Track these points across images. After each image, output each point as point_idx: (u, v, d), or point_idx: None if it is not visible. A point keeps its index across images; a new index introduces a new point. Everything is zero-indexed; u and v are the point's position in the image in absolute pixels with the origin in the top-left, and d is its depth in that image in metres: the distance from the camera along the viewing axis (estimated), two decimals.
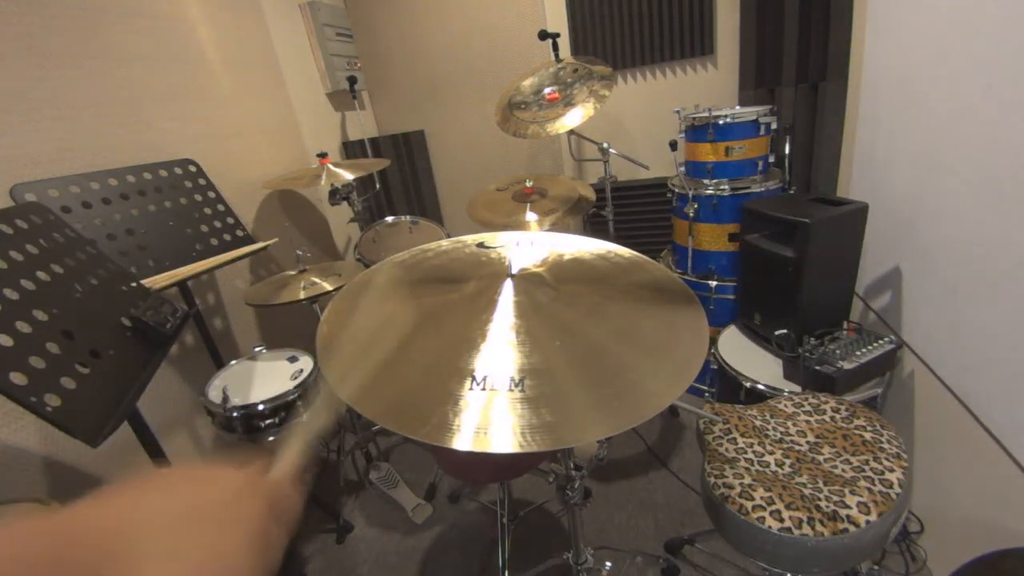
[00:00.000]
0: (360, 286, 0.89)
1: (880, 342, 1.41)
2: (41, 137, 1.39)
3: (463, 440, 0.57)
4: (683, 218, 2.03)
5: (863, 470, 0.96)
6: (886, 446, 1.00)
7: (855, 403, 1.14)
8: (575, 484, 1.06)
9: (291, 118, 2.41)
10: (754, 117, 1.84)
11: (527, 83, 2.05)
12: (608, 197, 2.07)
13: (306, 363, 1.65)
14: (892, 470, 0.94)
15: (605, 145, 1.98)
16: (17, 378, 0.80)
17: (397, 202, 2.97)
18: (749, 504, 0.92)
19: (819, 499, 0.91)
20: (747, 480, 0.97)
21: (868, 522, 0.86)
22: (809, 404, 1.17)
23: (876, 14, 1.66)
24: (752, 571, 1.43)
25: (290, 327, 2.32)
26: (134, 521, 0.29)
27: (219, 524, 0.32)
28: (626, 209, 2.58)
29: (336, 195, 2.11)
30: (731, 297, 1.99)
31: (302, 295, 1.64)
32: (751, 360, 1.63)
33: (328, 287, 1.69)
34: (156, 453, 1.21)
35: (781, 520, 0.88)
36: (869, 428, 1.06)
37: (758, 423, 1.14)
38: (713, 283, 2.01)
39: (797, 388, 1.43)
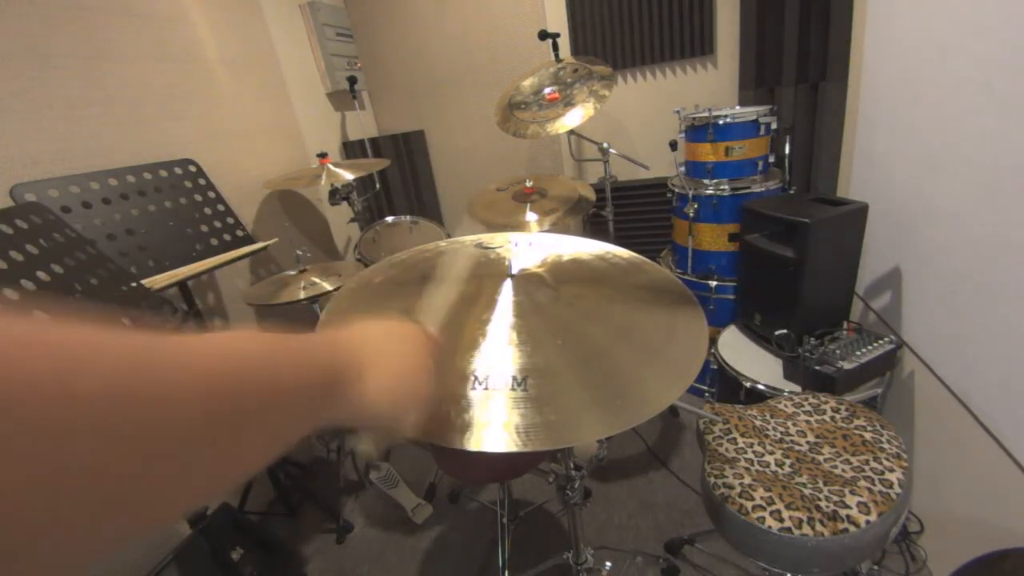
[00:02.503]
0: (359, 285, 0.89)
1: (880, 342, 1.42)
2: (41, 137, 1.39)
3: (465, 440, 0.57)
4: (683, 218, 2.03)
5: (863, 470, 0.96)
6: (886, 446, 1.00)
7: (855, 403, 1.14)
8: (575, 484, 1.06)
9: (291, 118, 2.41)
10: (754, 117, 1.84)
11: (527, 83, 2.05)
12: (608, 197, 2.07)
13: None
14: (892, 470, 0.94)
15: (605, 145, 1.98)
16: None
17: (397, 202, 2.97)
18: (749, 504, 0.92)
19: (819, 499, 0.91)
20: (747, 480, 0.97)
21: (868, 522, 0.86)
22: (809, 404, 1.17)
23: (876, 14, 1.66)
24: (752, 571, 1.43)
25: (290, 327, 2.31)
26: (361, 336, 0.44)
27: (407, 343, 0.47)
28: (626, 209, 2.58)
29: (336, 195, 2.11)
30: (731, 297, 1.99)
31: (302, 295, 1.64)
32: (751, 360, 1.63)
33: (328, 287, 1.68)
34: None
35: (781, 520, 0.88)
36: (869, 428, 1.06)
37: (758, 423, 1.14)
38: (713, 283, 2.01)
39: (797, 388, 1.43)
